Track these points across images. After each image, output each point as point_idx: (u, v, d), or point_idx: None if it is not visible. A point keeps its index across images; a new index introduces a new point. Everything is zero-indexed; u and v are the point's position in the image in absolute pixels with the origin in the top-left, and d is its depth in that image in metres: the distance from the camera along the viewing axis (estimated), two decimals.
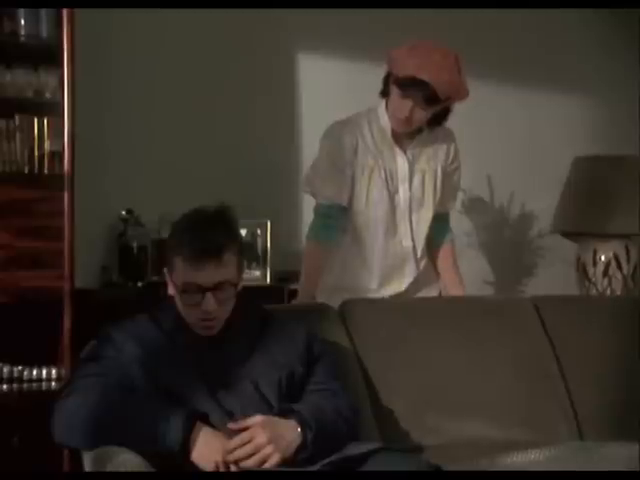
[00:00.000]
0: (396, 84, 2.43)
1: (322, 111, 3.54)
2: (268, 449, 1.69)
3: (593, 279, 3.75)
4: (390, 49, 2.46)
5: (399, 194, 2.52)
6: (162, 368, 1.80)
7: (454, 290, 2.61)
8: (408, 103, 2.41)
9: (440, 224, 2.61)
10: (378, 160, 2.51)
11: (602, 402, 2.32)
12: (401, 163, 2.52)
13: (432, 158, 2.56)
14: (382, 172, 2.50)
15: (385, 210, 2.51)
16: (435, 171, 2.55)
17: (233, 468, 1.67)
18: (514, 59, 3.91)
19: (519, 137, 3.92)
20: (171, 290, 1.85)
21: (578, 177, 3.80)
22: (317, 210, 2.56)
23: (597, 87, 4.07)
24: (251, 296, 2.02)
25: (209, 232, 1.79)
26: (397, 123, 2.48)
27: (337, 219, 2.52)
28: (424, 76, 2.36)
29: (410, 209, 2.53)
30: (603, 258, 3.74)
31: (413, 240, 2.54)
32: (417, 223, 2.55)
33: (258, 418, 1.72)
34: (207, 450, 1.67)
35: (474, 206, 3.88)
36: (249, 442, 1.69)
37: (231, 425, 1.72)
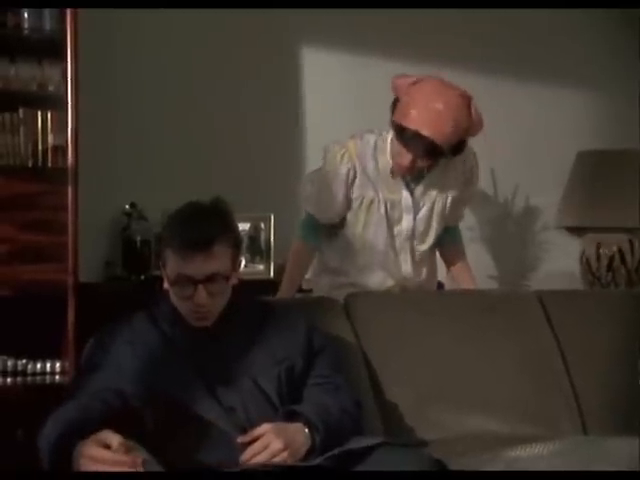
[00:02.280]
0: (395, 131, 2.30)
1: (326, 106, 3.55)
2: (284, 454, 1.67)
3: (597, 273, 3.74)
4: (394, 77, 2.33)
5: (401, 225, 2.44)
6: (158, 371, 1.79)
7: (466, 287, 2.61)
8: (408, 155, 2.29)
9: (449, 230, 2.58)
10: (379, 192, 2.40)
11: (606, 397, 2.32)
12: (405, 196, 2.42)
13: (445, 188, 2.44)
14: (382, 205, 2.41)
15: (384, 239, 2.45)
16: (445, 200, 2.46)
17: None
18: (518, 54, 3.90)
19: (523, 131, 3.91)
20: (166, 284, 1.84)
21: (582, 171, 3.79)
22: (307, 215, 2.52)
23: (601, 81, 4.06)
24: (254, 290, 2.02)
25: (200, 224, 1.79)
26: (398, 168, 2.36)
27: (325, 227, 2.50)
28: (425, 131, 2.22)
29: (412, 238, 2.46)
30: (607, 252, 3.74)
31: (412, 264, 2.50)
32: (418, 252, 2.50)
33: (266, 426, 1.71)
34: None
35: (478, 200, 3.87)
36: (264, 450, 1.67)
37: (241, 439, 1.71)
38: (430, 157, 2.31)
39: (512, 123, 3.87)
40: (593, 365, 2.36)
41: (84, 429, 1.61)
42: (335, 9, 3.45)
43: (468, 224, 3.70)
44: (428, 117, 2.23)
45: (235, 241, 1.86)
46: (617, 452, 1.85)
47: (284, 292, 2.53)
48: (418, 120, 2.24)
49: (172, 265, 1.79)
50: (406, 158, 2.31)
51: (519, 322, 2.39)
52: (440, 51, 3.64)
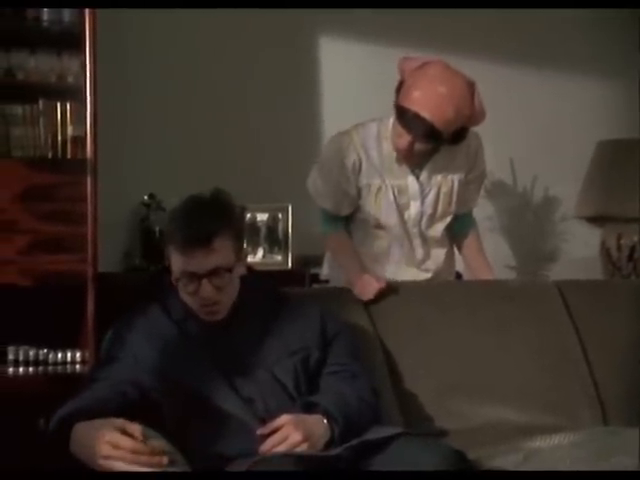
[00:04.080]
0: (396, 111, 2.29)
1: (344, 95, 3.55)
2: (304, 446, 1.68)
3: (618, 264, 3.72)
4: (401, 59, 2.33)
5: (409, 210, 2.44)
6: (175, 363, 1.80)
7: (483, 276, 2.59)
8: (407, 137, 2.28)
9: (462, 217, 2.57)
10: (385, 179, 2.40)
11: (626, 387, 2.31)
12: (411, 181, 2.42)
13: (450, 171, 2.43)
14: (390, 191, 2.41)
15: (396, 225, 2.45)
16: (452, 184, 2.45)
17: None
18: (537, 43, 3.87)
19: (542, 120, 3.88)
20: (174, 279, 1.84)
21: (602, 161, 3.77)
22: (324, 210, 2.52)
23: (620, 70, 4.02)
24: (272, 280, 2.02)
25: (197, 219, 1.79)
26: (397, 151, 2.36)
27: (342, 217, 2.50)
28: (425, 114, 2.21)
29: (420, 223, 2.46)
30: (628, 243, 3.71)
31: (425, 249, 2.50)
32: (429, 238, 2.49)
33: (286, 418, 1.71)
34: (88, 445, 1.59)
35: (496, 190, 3.85)
36: (283, 441, 1.68)
37: (260, 430, 1.71)
38: (428, 140, 2.29)
39: (531, 113, 3.85)
40: (613, 355, 2.35)
41: (98, 417, 1.62)
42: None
43: (487, 214, 3.70)
44: (430, 100, 2.22)
45: (236, 232, 1.85)
46: (637, 443, 1.83)
47: (353, 275, 2.37)
48: (420, 102, 2.23)
49: (175, 262, 1.80)
50: (405, 139, 2.30)
51: (538, 312, 2.38)
52: (459, 40, 3.62)
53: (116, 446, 1.55)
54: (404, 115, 2.27)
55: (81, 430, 1.62)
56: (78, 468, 1.63)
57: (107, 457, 1.55)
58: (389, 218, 2.44)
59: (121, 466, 1.54)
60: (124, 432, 1.57)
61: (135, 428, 1.57)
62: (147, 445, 1.56)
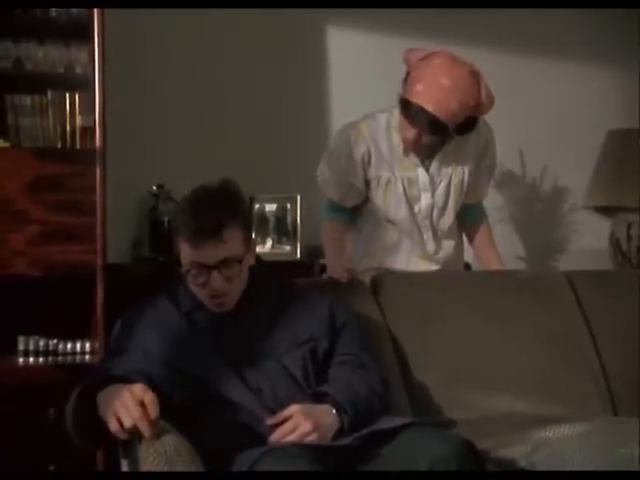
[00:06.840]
0: (401, 105, 2.27)
1: (352, 86, 3.54)
2: (314, 436, 1.68)
3: (627, 254, 3.71)
4: (406, 50, 2.31)
5: (420, 202, 2.42)
6: (184, 355, 1.81)
7: (493, 267, 2.58)
8: (413, 130, 2.26)
9: (473, 208, 2.56)
10: (395, 171, 2.38)
11: (636, 377, 2.30)
12: (421, 173, 2.40)
13: (461, 162, 2.41)
14: (399, 183, 2.39)
15: (406, 217, 2.43)
16: (463, 175, 2.43)
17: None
18: (545, 32, 3.85)
19: (551, 110, 3.87)
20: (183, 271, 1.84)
21: (611, 150, 3.75)
22: (329, 199, 2.51)
23: (630, 60, 4.00)
24: (281, 271, 2.02)
25: (206, 210, 1.78)
26: (405, 143, 2.34)
27: (347, 209, 2.50)
28: (429, 107, 2.19)
29: (431, 215, 2.45)
30: (638, 232, 3.69)
31: (436, 241, 2.49)
32: (439, 230, 2.48)
33: (295, 408, 1.71)
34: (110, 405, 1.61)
35: (505, 180, 3.84)
36: (293, 431, 1.68)
37: (270, 420, 1.71)
38: (434, 133, 2.27)
39: (540, 103, 3.83)
40: (623, 345, 2.35)
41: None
42: None
43: (496, 204, 3.69)
44: (433, 92, 2.20)
45: (245, 222, 1.85)
46: None
47: (332, 267, 2.41)
48: (423, 95, 2.21)
49: (184, 253, 1.79)
50: (411, 132, 2.28)
51: (548, 302, 2.37)
52: (468, 32, 3.61)
53: (141, 401, 1.57)
54: (408, 109, 2.25)
55: (112, 386, 1.65)
56: (81, 468, 1.65)
57: (125, 406, 1.57)
58: (399, 210, 2.43)
59: (122, 412, 1.57)
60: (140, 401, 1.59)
61: (147, 395, 1.60)
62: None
